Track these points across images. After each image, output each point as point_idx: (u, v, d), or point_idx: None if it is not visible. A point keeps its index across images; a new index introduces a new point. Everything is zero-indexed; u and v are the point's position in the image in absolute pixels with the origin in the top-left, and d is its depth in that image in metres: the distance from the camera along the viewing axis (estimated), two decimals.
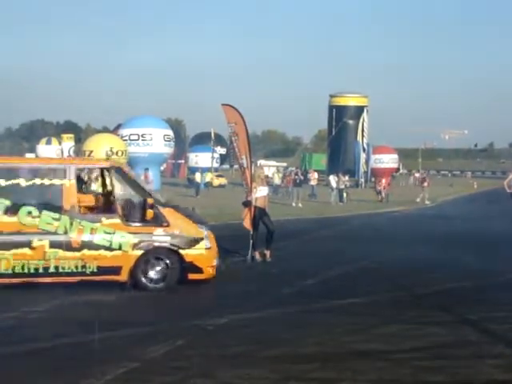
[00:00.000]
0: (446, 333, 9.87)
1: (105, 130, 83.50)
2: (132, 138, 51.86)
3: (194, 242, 13.12)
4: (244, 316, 10.77)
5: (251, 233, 16.78)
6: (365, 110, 70.82)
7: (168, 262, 12.88)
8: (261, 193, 17.13)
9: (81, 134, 78.07)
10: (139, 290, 12.55)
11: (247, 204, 17.09)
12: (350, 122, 69.41)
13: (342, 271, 15.40)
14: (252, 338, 9.54)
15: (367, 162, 68.94)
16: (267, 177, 47.06)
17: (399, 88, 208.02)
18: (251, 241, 16.70)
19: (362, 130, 69.98)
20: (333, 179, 43.47)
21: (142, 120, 53.76)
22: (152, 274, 12.87)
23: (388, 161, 70.75)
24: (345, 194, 42.57)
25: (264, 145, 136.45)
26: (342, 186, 43.12)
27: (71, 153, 49.86)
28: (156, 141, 52.15)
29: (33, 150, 74.35)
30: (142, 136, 51.98)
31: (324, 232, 24.11)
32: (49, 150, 65.20)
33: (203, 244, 13.22)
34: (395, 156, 72.93)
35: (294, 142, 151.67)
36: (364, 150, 69.07)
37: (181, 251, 12.98)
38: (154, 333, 9.71)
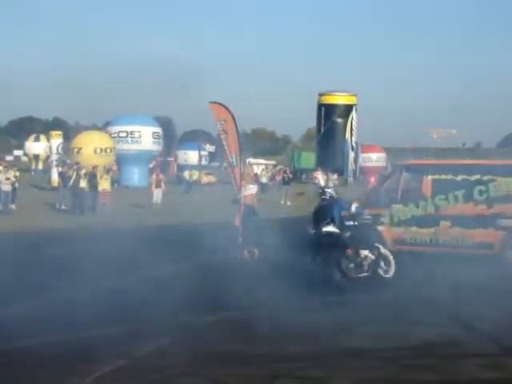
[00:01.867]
0: (432, 332, 9.90)
1: (94, 127, 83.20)
2: (121, 135, 51.78)
3: None
4: (232, 314, 10.77)
5: (240, 230, 16.79)
6: (353, 109, 70.81)
7: None
8: (250, 191, 17.15)
9: (70, 131, 77.75)
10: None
11: (236, 202, 17.11)
12: (339, 120, 69.36)
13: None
14: (240, 336, 9.54)
15: (356, 160, 68.98)
16: (256, 175, 47.13)
17: (388, 87, 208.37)
18: (240, 239, 16.71)
19: (351, 129, 69.95)
20: (321, 177, 43.49)
21: (131, 118, 53.68)
22: None
23: (376, 159, 70.88)
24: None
25: (253, 143, 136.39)
26: (331, 185, 43.12)
27: (60, 150, 49.76)
28: (145, 138, 52.09)
29: (21, 146, 74.22)
30: (131, 133, 51.92)
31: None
32: (37, 147, 65.15)
33: None
34: (383, 155, 73.03)
35: (283, 141, 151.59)
36: (353, 148, 69.08)
37: None
38: (141, 331, 9.70)
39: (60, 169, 38.02)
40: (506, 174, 16.86)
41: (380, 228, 17.17)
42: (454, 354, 8.79)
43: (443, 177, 17.24)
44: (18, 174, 30.80)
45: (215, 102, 17.84)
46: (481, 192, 16.86)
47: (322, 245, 13.88)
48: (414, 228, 17.21)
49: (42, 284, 12.74)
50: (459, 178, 17.09)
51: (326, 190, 15.28)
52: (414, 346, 9.12)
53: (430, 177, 17.42)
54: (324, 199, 14.61)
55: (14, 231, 22.75)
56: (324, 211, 14.34)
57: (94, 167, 33.40)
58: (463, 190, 16.94)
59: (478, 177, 16.96)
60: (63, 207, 30.63)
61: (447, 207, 17.08)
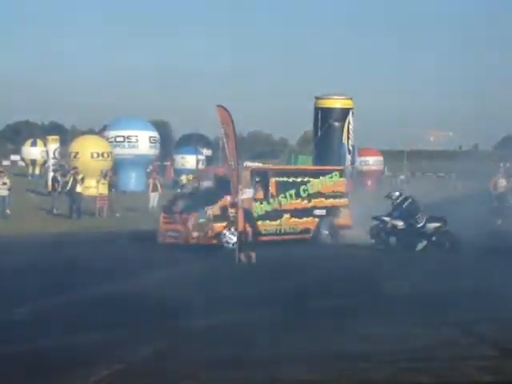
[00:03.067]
0: (429, 334, 9.90)
1: (90, 131, 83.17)
2: (118, 139, 51.74)
3: None
4: (230, 318, 10.76)
5: (237, 234, 16.79)
6: (350, 112, 70.83)
7: None
8: (246, 195, 17.16)
9: (66, 136, 77.67)
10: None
11: (234, 206, 17.12)
12: (336, 124, 69.38)
13: (325, 273, 15.44)
14: (234, 340, 9.53)
15: (353, 163, 68.93)
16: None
17: (385, 90, 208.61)
18: (237, 242, 16.71)
19: (348, 132, 69.94)
20: None
21: (128, 122, 53.65)
22: None
23: (373, 163, 70.84)
24: None
25: (250, 146, 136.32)
26: None
27: (56, 154, 49.69)
28: (141, 143, 52.06)
29: (18, 151, 74.06)
30: (128, 138, 51.88)
31: None
32: (34, 152, 65.00)
33: None
34: (380, 158, 73.03)
35: (280, 144, 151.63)
36: (349, 151, 69.07)
37: None
38: (140, 334, 9.69)
39: (53, 173, 38.05)
40: (316, 176, 22.48)
41: None
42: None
43: (281, 179, 21.41)
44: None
45: (221, 106, 17.84)
46: (304, 190, 21.73)
47: None
48: (267, 221, 20.55)
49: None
50: (291, 179, 21.65)
51: None
52: (410, 348, 9.12)
53: (273, 179, 21.13)
54: None
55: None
56: None
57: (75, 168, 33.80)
58: (294, 189, 21.56)
59: (301, 179, 21.87)
60: (54, 211, 30.65)
61: (286, 203, 21.19)
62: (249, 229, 17.19)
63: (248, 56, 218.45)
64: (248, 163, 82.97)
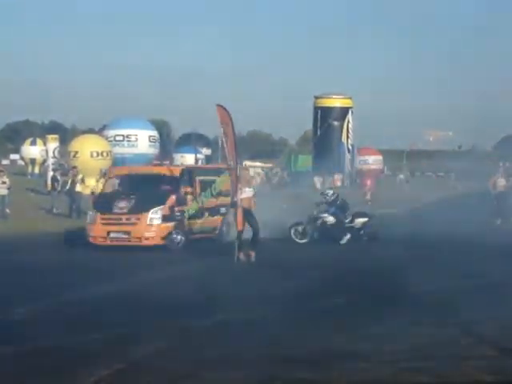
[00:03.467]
0: (429, 334, 9.90)
1: (90, 130, 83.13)
2: (117, 138, 51.77)
3: None
4: (230, 317, 10.76)
5: (237, 233, 16.79)
6: (350, 112, 70.77)
7: None
8: (246, 194, 17.16)
9: (66, 135, 77.58)
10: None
11: (233, 205, 17.12)
12: (335, 123, 69.30)
13: (325, 272, 15.44)
14: (235, 339, 9.53)
15: (352, 162, 68.92)
16: (252, 178, 47.13)
17: (384, 89, 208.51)
18: (236, 241, 16.71)
19: (347, 132, 69.90)
20: (317, 181, 43.50)
21: (127, 121, 53.69)
22: None
23: (373, 162, 70.85)
24: None
25: (249, 146, 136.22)
26: (332, 186, 43.12)
27: (56, 154, 49.64)
28: (141, 142, 52.08)
29: (17, 151, 73.97)
30: (127, 137, 51.92)
31: None
32: (33, 151, 64.92)
33: None
34: (380, 157, 73.04)
35: (279, 143, 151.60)
36: (349, 151, 69.05)
37: None
38: (140, 333, 9.69)
39: (52, 173, 38.03)
40: (219, 175, 22.00)
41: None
42: None
43: (202, 178, 21.47)
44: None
45: (221, 106, 17.85)
46: (214, 189, 21.80)
47: None
48: (193, 220, 20.58)
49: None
50: (208, 178, 21.78)
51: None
52: (410, 348, 9.12)
53: (197, 178, 21.13)
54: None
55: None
56: None
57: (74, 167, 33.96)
58: (209, 188, 21.62)
59: (213, 177, 21.94)
60: (54, 211, 30.64)
61: (206, 202, 21.27)
62: (248, 227, 17.18)
63: (248, 56, 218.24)
64: (248, 162, 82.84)
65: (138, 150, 51.78)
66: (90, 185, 35.77)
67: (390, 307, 11.42)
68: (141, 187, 20.29)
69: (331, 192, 22.58)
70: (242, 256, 16.72)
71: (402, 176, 78.89)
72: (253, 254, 16.80)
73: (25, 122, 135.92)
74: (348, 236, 21.36)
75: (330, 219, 21.41)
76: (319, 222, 21.39)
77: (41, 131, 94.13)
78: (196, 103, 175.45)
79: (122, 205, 19.63)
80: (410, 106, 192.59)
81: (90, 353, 8.70)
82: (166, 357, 8.65)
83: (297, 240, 21.08)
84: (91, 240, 19.54)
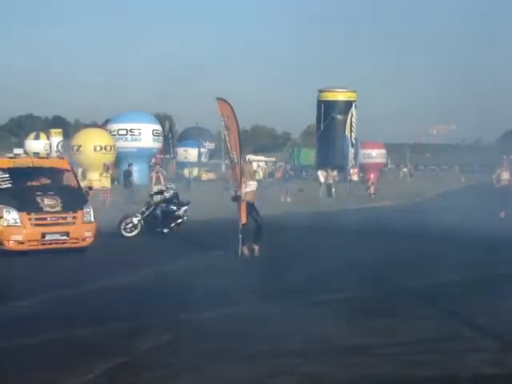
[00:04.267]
0: (433, 327, 9.89)
1: (93, 125, 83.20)
2: (120, 133, 51.84)
3: None
4: (232, 311, 10.74)
5: (240, 227, 16.76)
6: (353, 105, 70.75)
7: None
8: (250, 187, 17.12)
9: (69, 129, 77.66)
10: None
11: (237, 199, 17.09)
12: (339, 117, 69.31)
13: (330, 266, 15.42)
14: (240, 332, 9.52)
15: (356, 156, 68.94)
16: (255, 172, 47.09)
17: (388, 83, 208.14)
18: (240, 235, 16.68)
19: (351, 125, 69.89)
20: (321, 174, 43.51)
21: (131, 115, 53.74)
22: None
23: (376, 156, 70.87)
24: (333, 189, 42.68)
25: (253, 140, 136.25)
26: (331, 181, 43.21)
27: (59, 148, 49.70)
28: (144, 136, 52.11)
29: (21, 145, 74.05)
30: (131, 131, 51.98)
31: (311, 227, 24.11)
32: (37, 145, 65.01)
33: (2, 221, 16.33)
34: (383, 151, 73.05)
35: (283, 137, 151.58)
36: (352, 144, 69.03)
37: None
38: (141, 327, 9.68)
39: None
40: None
41: None
42: None
43: None
44: None
45: (221, 98, 17.79)
46: None
47: None
48: None
49: None
50: None
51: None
52: (414, 341, 9.11)
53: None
54: None
55: None
56: None
57: (130, 165, 34.11)
58: None
59: None
60: None
61: None
62: (252, 221, 17.16)
63: (252, 50, 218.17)
64: (251, 156, 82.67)
65: (142, 144, 51.86)
66: (93, 179, 35.86)
67: None
68: (29, 181, 18.05)
69: (173, 185, 23.74)
70: (245, 250, 16.69)
71: (405, 169, 78.91)
72: (256, 248, 16.77)
73: (28, 116, 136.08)
74: (172, 224, 21.69)
75: (158, 212, 21.72)
76: (146, 214, 21.53)
77: (44, 126, 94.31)
78: (199, 97, 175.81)
79: (50, 202, 17.09)
80: (413, 100, 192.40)
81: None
82: (168, 350, 8.64)
83: (125, 234, 20.96)
84: (11, 246, 16.50)
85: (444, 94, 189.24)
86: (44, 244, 16.63)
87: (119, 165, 50.87)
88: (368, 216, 29.15)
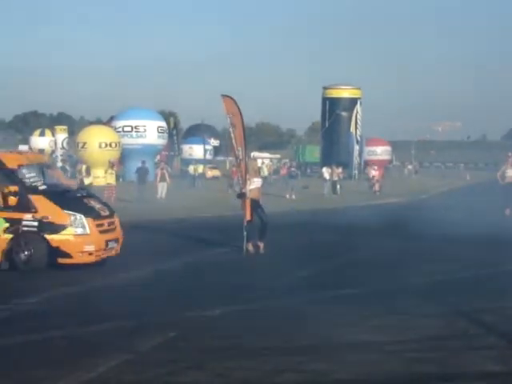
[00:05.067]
0: (438, 324, 9.89)
1: (98, 121, 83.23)
2: (125, 129, 51.81)
3: (61, 228, 13.81)
4: (237, 308, 10.76)
5: (245, 224, 16.76)
6: (358, 102, 70.66)
7: (35, 245, 13.73)
8: (254, 184, 17.12)
9: (74, 126, 77.73)
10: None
11: (242, 196, 17.09)
12: (344, 113, 69.22)
13: (335, 263, 15.43)
14: (244, 329, 9.52)
15: (360, 153, 68.89)
16: (260, 168, 47.13)
17: (393, 80, 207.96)
18: (245, 232, 16.68)
19: (356, 122, 69.79)
20: (326, 171, 43.48)
21: (136, 112, 53.72)
22: (22, 256, 13.76)
23: (381, 153, 70.90)
24: (338, 186, 42.63)
25: (258, 137, 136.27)
26: (336, 178, 43.17)
27: (65, 145, 49.73)
28: (149, 132, 52.09)
29: (26, 141, 74.18)
30: (136, 128, 51.95)
31: (316, 223, 24.09)
32: (42, 142, 65.08)
33: (71, 230, 13.87)
34: (388, 148, 73.05)
35: (287, 134, 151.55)
36: (357, 141, 68.97)
37: (47, 236, 13.75)
38: (147, 324, 9.70)
39: (61, 164, 38.15)
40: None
41: None
42: None
43: None
44: None
45: (226, 95, 17.79)
46: None
47: None
48: None
49: None
50: None
51: None
52: (418, 339, 9.11)
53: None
54: None
55: None
56: None
57: (144, 162, 34.27)
58: None
59: None
60: None
61: None
62: (257, 219, 17.16)
63: (257, 47, 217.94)
64: (256, 153, 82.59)
65: (147, 141, 51.82)
66: (99, 176, 35.84)
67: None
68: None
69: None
70: (250, 247, 16.69)
71: (410, 166, 78.85)
72: (261, 245, 16.77)
73: (33, 113, 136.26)
74: None
75: None
76: None
77: (49, 123, 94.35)
78: (204, 94, 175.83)
79: (99, 205, 15.21)
80: (418, 97, 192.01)
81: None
82: (173, 347, 8.65)
83: None
84: (83, 258, 14.10)
85: (449, 91, 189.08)
86: (105, 253, 14.53)
87: (124, 162, 50.88)
88: (373, 213, 29.07)
